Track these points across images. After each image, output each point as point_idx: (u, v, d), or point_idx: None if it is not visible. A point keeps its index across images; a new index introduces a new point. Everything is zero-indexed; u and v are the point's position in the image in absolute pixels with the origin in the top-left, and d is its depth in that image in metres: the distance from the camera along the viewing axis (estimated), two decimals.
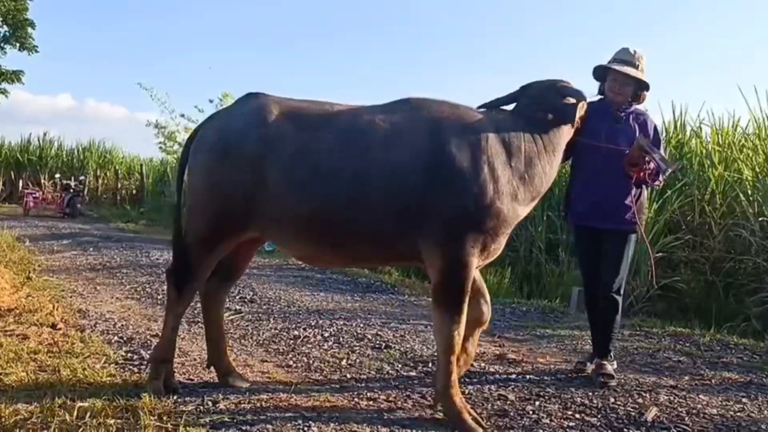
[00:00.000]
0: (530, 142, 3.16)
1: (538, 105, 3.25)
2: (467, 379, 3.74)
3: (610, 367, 3.88)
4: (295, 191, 3.07)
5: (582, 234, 4.01)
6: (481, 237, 2.98)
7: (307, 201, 3.06)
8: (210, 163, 3.21)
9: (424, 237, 2.98)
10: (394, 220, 2.99)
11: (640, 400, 3.51)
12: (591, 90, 3.95)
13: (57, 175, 21.27)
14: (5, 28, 19.27)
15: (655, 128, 3.90)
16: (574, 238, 4.33)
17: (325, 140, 3.08)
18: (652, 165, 3.55)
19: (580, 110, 3.28)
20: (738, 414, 3.34)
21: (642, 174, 3.60)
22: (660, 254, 6.91)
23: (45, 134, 25.51)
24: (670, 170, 3.62)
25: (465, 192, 2.93)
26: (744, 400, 3.57)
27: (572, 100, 3.29)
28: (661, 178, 3.67)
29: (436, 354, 3.23)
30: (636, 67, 3.81)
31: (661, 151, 3.77)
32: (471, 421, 2.99)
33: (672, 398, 3.55)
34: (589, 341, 4.80)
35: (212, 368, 3.57)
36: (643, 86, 3.87)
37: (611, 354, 3.96)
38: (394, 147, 3.00)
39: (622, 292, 3.89)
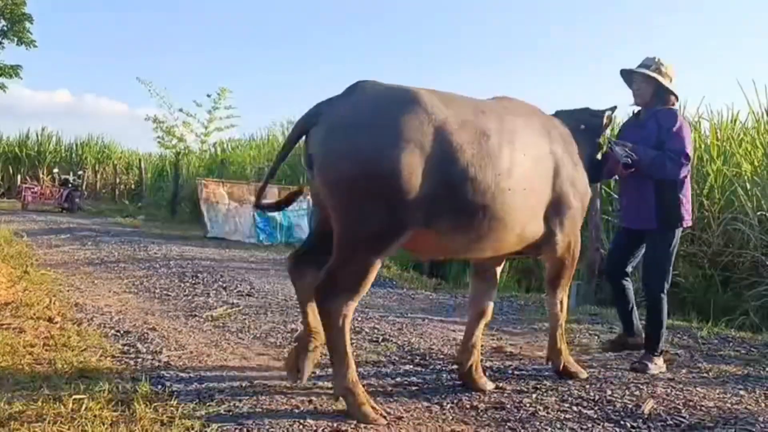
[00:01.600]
0: (574, 145, 3.63)
1: (576, 120, 3.80)
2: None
3: (658, 361, 3.95)
4: (466, 180, 2.93)
5: (621, 230, 4.34)
6: (580, 223, 3.58)
7: (475, 190, 2.95)
8: (374, 150, 2.81)
9: (551, 227, 3.39)
10: (532, 211, 3.27)
11: (637, 393, 3.50)
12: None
13: (55, 170, 21.30)
14: (3, 22, 19.19)
15: (674, 120, 3.90)
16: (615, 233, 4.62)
17: (488, 129, 3.04)
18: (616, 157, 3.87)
19: (605, 119, 3.85)
20: (735, 406, 3.33)
21: (617, 167, 3.86)
22: None
23: (43, 129, 25.58)
24: (622, 155, 3.78)
25: (576, 184, 3.47)
26: (741, 392, 3.57)
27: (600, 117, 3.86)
28: (625, 160, 3.77)
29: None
30: (650, 68, 3.97)
31: (687, 145, 3.85)
32: (576, 366, 3.76)
33: (669, 391, 3.55)
34: (588, 335, 4.87)
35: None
36: (663, 88, 3.96)
37: (657, 351, 3.98)
38: (530, 144, 3.25)
39: (664, 289, 4.04)
